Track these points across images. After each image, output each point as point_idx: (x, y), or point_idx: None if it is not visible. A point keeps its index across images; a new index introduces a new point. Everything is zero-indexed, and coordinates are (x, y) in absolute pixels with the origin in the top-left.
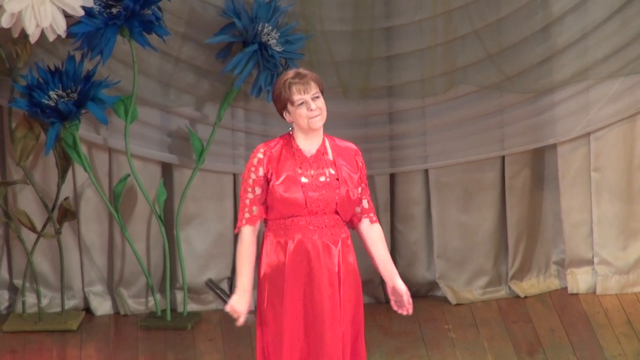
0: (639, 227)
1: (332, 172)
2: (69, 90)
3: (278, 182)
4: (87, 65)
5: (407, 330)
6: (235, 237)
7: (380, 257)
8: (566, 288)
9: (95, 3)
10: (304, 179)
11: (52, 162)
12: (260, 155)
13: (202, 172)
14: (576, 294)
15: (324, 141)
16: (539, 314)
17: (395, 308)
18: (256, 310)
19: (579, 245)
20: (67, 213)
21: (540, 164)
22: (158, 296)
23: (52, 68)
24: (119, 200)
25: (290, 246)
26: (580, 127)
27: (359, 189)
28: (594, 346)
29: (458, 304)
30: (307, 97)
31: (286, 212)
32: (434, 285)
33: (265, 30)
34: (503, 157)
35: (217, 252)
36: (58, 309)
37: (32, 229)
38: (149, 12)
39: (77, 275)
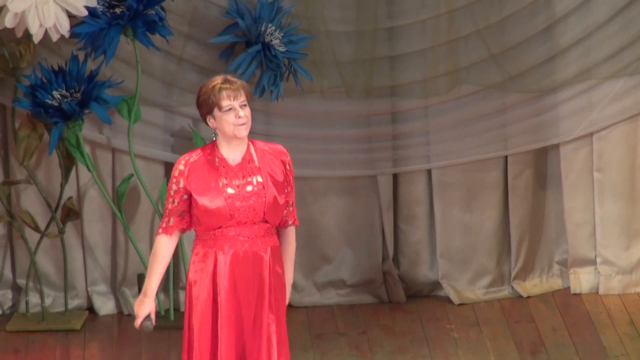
0: None
1: (260, 179)
2: (73, 90)
3: (201, 195)
4: (91, 65)
5: (409, 330)
6: None
7: (284, 260)
8: (569, 288)
9: (98, 3)
10: (230, 190)
11: (55, 162)
12: (181, 167)
13: None
14: (579, 294)
15: (248, 147)
16: (541, 313)
17: None
18: (184, 313)
19: (582, 245)
20: (70, 213)
21: (543, 163)
22: (161, 296)
23: (56, 68)
24: (122, 200)
25: (220, 257)
26: (582, 127)
27: (283, 194)
28: (596, 346)
29: (461, 304)
30: (236, 103)
31: (212, 223)
32: (436, 285)
33: (269, 30)
34: (506, 157)
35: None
36: (61, 309)
37: (36, 228)
38: (153, 12)
39: (80, 274)
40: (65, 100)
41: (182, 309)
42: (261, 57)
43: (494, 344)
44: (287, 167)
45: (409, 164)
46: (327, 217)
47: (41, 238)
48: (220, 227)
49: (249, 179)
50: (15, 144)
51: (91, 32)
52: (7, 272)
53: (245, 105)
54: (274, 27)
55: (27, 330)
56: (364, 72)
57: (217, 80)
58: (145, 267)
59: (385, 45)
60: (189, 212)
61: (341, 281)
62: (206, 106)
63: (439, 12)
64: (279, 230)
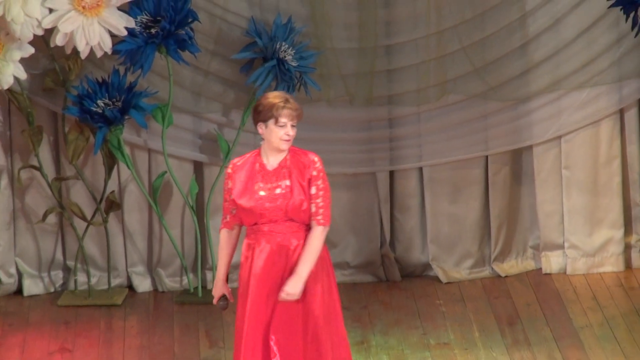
0: (603, 217)
1: (288, 183)
2: (114, 99)
3: (239, 196)
4: (130, 78)
5: (404, 305)
6: None
7: (302, 253)
8: (540, 269)
9: (136, 24)
10: (262, 192)
11: (99, 160)
12: (229, 170)
13: None
14: (549, 274)
15: (286, 156)
16: (517, 291)
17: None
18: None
19: (552, 232)
20: (112, 204)
21: (518, 162)
22: (191, 275)
23: (100, 80)
24: (157, 193)
25: (257, 248)
26: (552, 131)
27: (305, 195)
28: (564, 318)
29: (448, 282)
30: (289, 123)
31: (249, 220)
32: (427, 266)
33: (283, 47)
34: (486, 157)
35: (240, 238)
36: (105, 287)
37: (83, 218)
38: (183, 32)
39: (121, 257)
40: (108, 108)
41: (209, 287)
42: (276, 71)
43: (476, 317)
44: (314, 173)
45: (404, 162)
46: (333, 208)
47: (87, 226)
48: (256, 224)
49: (279, 183)
50: (65, 146)
51: (130, 49)
52: (59, 255)
53: (294, 126)
54: (287, 45)
55: (76, 305)
56: (365, 83)
57: (281, 98)
58: (177, 251)
59: (383, 60)
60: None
61: (345, 263)
62: (264, 115)
63: (429, 32)
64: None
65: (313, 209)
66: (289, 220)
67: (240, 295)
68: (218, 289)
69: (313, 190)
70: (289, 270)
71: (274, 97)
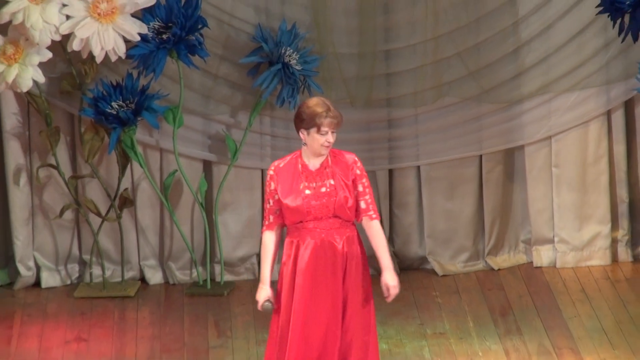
0: (591, 213)
1: (332, 182)
2: (128, 101)
3: (285, 196)
4: (142, 81)
5: (402, 296)
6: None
7: (376, 249)
8: (532, 262)
9: (149, 30)
10: (307, 191)
11: (113, 159)
12: (272, 172)
13: (236, 168)
14: (540, 267)
15: (327, 157)
16: (509, 283)
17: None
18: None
19: (542, 227)
20: (126, 201)
21: (510, 161)
22: (200, 269)
23: (114, 83)
24: (168, 191)
25: (302, 245)
26: (543, 132)
27: (356, 192)
28: (554, 309)
29: (444, 275)
30: (330, 130)
31: (294, 219)
32: (424, 259)
33: (287, 52)
34: (481, 156)
35: (248, 233)
36: (118, 279)
37: (98, 214)
38: (193, 37)
39: (134, 251)
40: (122, 109)
41: (217, 280)
42: (281, 74)
43: (470, 308)
44: (358, 172)
45: (402, 161)
46: None
47: (102, 221)
48: (301, 222)
49: (324, 182)
50: (81, 145)
51: (143, 54)
52: (75, 250)
53: (334, 133)
54: (291, 50)
55: (91, 297)
56: (365, 86)
57: (323, 107)
58: (187, 245)
59: (382, 64)
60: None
61: None
62: (307, 123)
63: (426, 38)
64: (365, 224)
65: (363, 206)
66: (333, 217)
67: (284, 293)
68: (264, 291)
69: (360, 188)
70: (338, 265)
71: (316, 105)
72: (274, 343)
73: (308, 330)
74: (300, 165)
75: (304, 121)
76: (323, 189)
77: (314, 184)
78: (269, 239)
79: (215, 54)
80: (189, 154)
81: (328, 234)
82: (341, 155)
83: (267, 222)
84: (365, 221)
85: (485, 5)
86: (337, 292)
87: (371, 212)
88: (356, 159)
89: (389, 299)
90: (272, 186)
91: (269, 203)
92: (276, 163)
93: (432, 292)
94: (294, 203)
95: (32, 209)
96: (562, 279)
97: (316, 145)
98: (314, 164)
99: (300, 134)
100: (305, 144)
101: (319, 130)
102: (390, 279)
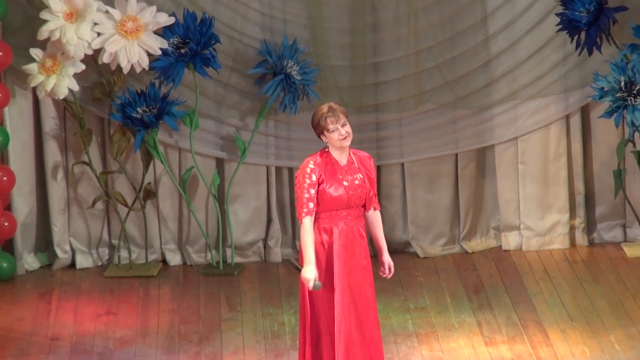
0: (551, 203)
1: (361, 176)
2: (151, 107)
3: (328, 186)
4: (163, 89)
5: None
6: (268, 210)
7: (376, 235)
8: (501, 246)
9: (169, 45)
10: (345, 183)
11: (138, 157)
12: (312, 166)
13: (244, 165)
14: (508, 250)
15: (349, 154)
16: (481, 264)
17: (380, 273)
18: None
19: (510, 216)
20: (149, 193)
21: (482, 158)
22: (213, 252)
23: (139, 91)
24: (185, 184)
25: (335, 230)
26: (510, 133)
27: (373, 186)
28: (520, 287)
29: (425, 257)
30: (338, 125)
31: (332, 207)
32: (407, 244)
33: (289, 64)
34: (456, 154)
35: (255, 220)
36: (143, 261)
37: (125, 204)
38: (207, 52)
39: (156, 237)
40: (146, 114)
41: (228, 261)
42: (284, 84)
43: (448, 285)
44: (374, 167)
45: (388, 159)
46: None
47: (129, 211)
48: (337, 209)
49: (355, 176)
50: (110, 145)
51: (164, 66)
52: (105, 235)
53: (345, 124)
54: (292, 63)
55: (119, 276)
56: (356, 94)
57: (323, 109)
58: (202, 232)
59: (371, 75)
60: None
61: None
62: (318, 128)
63: (409, 52)
64: (369, 212)
65: (374, 198)
66: (361, 206)
67: (323, 272)
68: (312, 272)
69: (374, 183)
70: (363, 250)
71: (319, 110)
72: (307, 316)
73: (354, 299)
74: (333, 161)
75: (317, 127)
76: (356, 182)
77: (349, 177)
78: (311, 223)
79: (226, 65)
80: (203, 153)
81: (355, 220)
82: (360, 153)
83: (306, 210)
84: (372, 211)
85: (459, 25)
86: (365, 273)
87: (376, 204)
88: (370, 156)
89: (389, 275)
90: (314, 178)
91: (310, 192)
92: (312, 159)
93: (414, 272)
94: (336, 192)
95: (67, 200)
96: (527, 260)
97: (335, 142)
98: (341, 160)
99: (322, 139)
100: (327, 145)
101: (328, 130)
102: (389, 258)
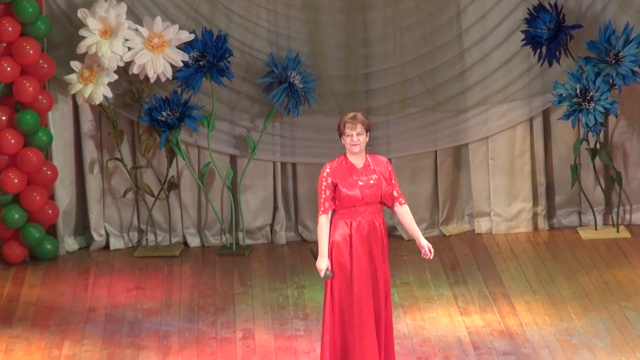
0: (517, 193)
1: (375, 177)
2: (174, 111)
3: (343, 186)
4: (185, 96)
5: None
6: (274, 199)
7: (409, 226)
8: (474, 230)
9: (189, 58)
10: (360, 183)
11: (163, 154)
12: (328, 170)
13: (254, 161)
14: (480, 234)
15: (366, 158)
16: (457, 245)
17: (422, 256)
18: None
19: (482, 204)
20: (172, 185)
21: (458, 155)
22: (227, 235)
23: (164, 98)
24: (204, 177)
25: (354, 224)
26: (482, 133)
27: (390, 185)
28: (490, 265)
29: (409, 240)
30: (354, 133)
31: (349, 204)
32: (394, 228)
33: (292, 74)
34: (436, 151)
35: (263, 208)
36: (167, 243)
37: (151, 194)
38: (222, 63)
39: (178, 222)
40: (170, 117)
41: (240, 243)
42: (288, 91)
43: (428, 264)
44: (390, 168)
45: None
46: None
47: (155, 200)
48: (354, 206)
49: (370, 176)
50: (139, 144)
51: (185, 76)
52: (134, 221)
53: (360, 134)
54: (295, 73)
55: (147, 256)
56: (350, 100)
57: (349, 116)
58: (218, 218)
59: (363, 83)
60: (334, 198)
61: None
62: (338, 130)
63: (395, 64)
64: (396, 208)
65: (396, 194)
66: (378, 203)
67: (341, 265)
68: (325, 262)
69: (393, 181)
70: (378, 240)
71: (344, 117)
72: (331, 301)
73: (365, 294)
74: (349, 164)
75: (338, 129)
76: (371, 182)
77: (364, 177)
78: (325, 221)
79: (238, 75)
80: (219, 150)
81: (373, 216)
82: (378, 157)
83: (322, 208)
84: (397, 206)
85: (438, 40)
86: (381, 262)
87: (402, 199)
88: (387, 159)
89: (431, 256)
90: (329, 181)
91: (326, 193)
92: (329, 165)
93: (400, 253)
94: (351, 192)
95: (102, 191)
96: (496, 242)
97: (348, 146)
98: (357, 163)
99: (341, 140)
100: (344, 148)
101: (344, 133)
102: (426, 241)
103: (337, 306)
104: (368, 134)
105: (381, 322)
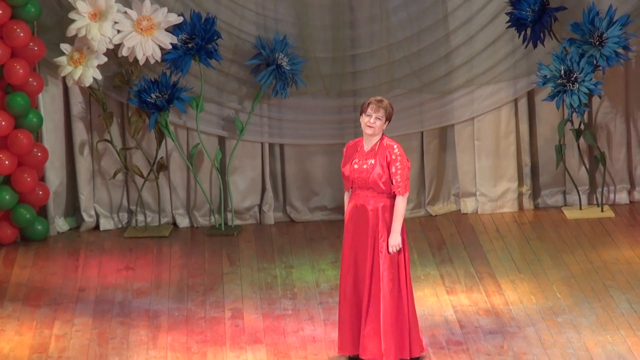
0: (503, 174)
1: (372, 162)
2: (163, 93)
3: (343, 166)
4: (174, 78)
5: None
6: (262, 180)
7: (392, 216)
8: (460, 210)
9: (178, 41)
10: (355, 166)
11: (152, 136)
12: (344, 149)
13: (243, 142)
14: (466, 213)
15: (380, 141)
16: (444, 225)
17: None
18: None
19: (468, 184)
20: (162, 166)
21: (444, 136)
22: (216, 216)
23: (153, 80)
24: (192, 158)
25: (351, 205)
26: (468, 114)
27: (384, 172)
28: (476, 244)
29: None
30: (373, 114)
31: (347, 185)
32: None
33: (280, 56)
34: (422, 132)
35: (251, 189)
36: (156, 224)
37: (141, 175)
38: (210, 46)
39: (168, 203)
40: (159, 99)
41: (229, 223)
42: (275, 73)
43: (415, 244)
44: (393, 157)
45: None
46: (316, 168)
47: (144, 181)
48: (352, 187)
49: (367, 161)
50: (128, 125)
51: (174, 58)
52: (124, 202)
53: (379, 118)
54: (283, 55)
55: (136, 237)
56: (337, 81)
57: (376, 98)
58: (207, 198)
59: (349, 65)
60: None
61: (324, 206)
62: (361, 109)
63: (381, 46)
64: (394, 197)
65: (393, 183)
66: (369, 188)
67: (344, 244)
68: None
69: (393, 170)
70: (369, 224)
71: (372, 97)
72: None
73: (347, 270)
74: (359, 147)
75: (361, 107)
76: (364, 166)
77: (361, 161)
78: (347, 197)
79: (227, 58)
80: (207, 132)
81: (365, 200)
82: (388, 144)
83: (344, 185)
84: (394, 195)
85: (424, 22)
86: (367, 243)
87: (399, 189)
88: (395, 147)
89: (390, 253)
90: (343, 159)
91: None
92: (349, 142)
93: None
94: (346, 173)
95: (92, 172)
96: (482, 222)
97: (363, 126)
98: (367, 146)
99: (360, 119)
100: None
101: (364, 112)
102: (392, 239)
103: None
104: (387, 123)
105: (363, 304)
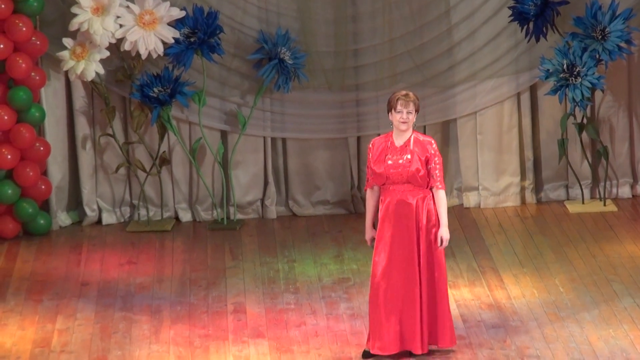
0: (505, 168)
1: (408, 157)
2: (165, 87)
3: (374, 163)
4: (176, 72)
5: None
6: (264, 174)
7: (437, 211)
8: (462, 204)
9: (180, 35)
10: (389, 162)
11: (155, 130)
12: (370, 146)
13: (245, 136)
14: (468, 208)
15: (410, 137)
16: None
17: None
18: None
19: (470, 178)
20: (164, 160)
21: (447, 130)
22: (219, 210)
23: (155, 74)
24: (195, 153)
25: (385, 202)
26: (471, 108)
27: (428, 168)
28: (478, 239)
29: None
30: (404, 110)
31: (379, 181)
32: None
33: (282, 51)
34: (425, 126)
35: (253, 184)
36: (159, 218)
37: (144, 170)
38: (213, 40)
39: (170, 197)
40: (161, 93)
41: (231, 217)
42: (278, 67)
43: None
44: (432, 152)
45: (367, 130)
46: (318, 162)
47: (147, 176)
48: (384, 184)
49: (403, 156)
50: (131, 119)
51: (176, 52)
52: (127, 196)
53: (410, 112)
54: (285, 49)
55: (139, 231)
56: (339, 75)
57: (401, 92)
58: (209, 193)
59: (351, 59)
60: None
61: (326, 200)
62: (389, 106)
63: (384, 40)
64: (433, 191)
65: (433, 177)
66: (406, 182)
67: (379, 240)
68: (368, 233)
69: (432, 165)
70: (412, 218)
71: (397, 92)
72: (372, 276)
73: (391, 267)
74: (389, 142)
75: (388, 104)
76: (400, 161)
77: (395, 157)
78: (369, 194)
79: (229, 52)
80: (210, 126)
81: (403, 194)
82: (422, 138)
83: (367, 182)
84: (433, 190)
85: (426, 16)
86: (412, 236)
87: (437, 184)
88: (433, 142)
89: (441, 248)
90: (370, 155)
91: (368, 168)
92: (374, 139)
93: None
94: (379, 169)
95: (95, 166)
96: (485, 216)
97: (395, 122)
98: (398, 141)
99: (389, 116)
100: (392, 124)
101: (395, 109)
102: (443, 232)
103: (372, 277)
104: (416, 114)
105: (415, 296)
